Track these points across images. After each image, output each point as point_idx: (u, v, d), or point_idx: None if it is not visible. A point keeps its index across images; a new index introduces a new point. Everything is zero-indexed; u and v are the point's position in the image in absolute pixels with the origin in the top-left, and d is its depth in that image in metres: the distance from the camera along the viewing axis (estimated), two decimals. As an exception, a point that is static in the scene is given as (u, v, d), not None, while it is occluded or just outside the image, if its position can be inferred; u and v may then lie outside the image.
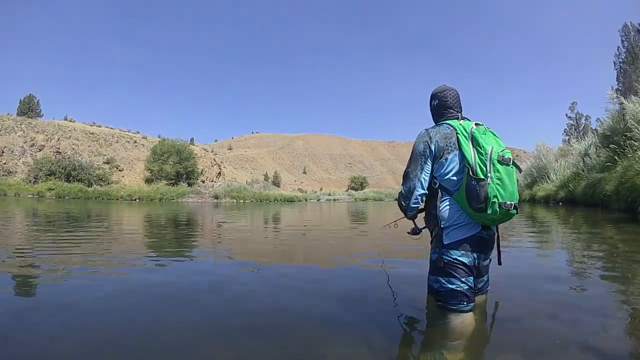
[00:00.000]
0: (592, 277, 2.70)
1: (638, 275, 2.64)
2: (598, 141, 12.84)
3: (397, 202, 1.77)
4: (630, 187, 7.64)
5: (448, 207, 1.58)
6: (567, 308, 1.89)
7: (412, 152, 1.68)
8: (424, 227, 1.84)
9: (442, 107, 1.74)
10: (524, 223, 6.90)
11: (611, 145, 10.40)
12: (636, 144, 9.08)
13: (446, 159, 1.57)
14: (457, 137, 1.56)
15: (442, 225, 1.58)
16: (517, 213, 1.54)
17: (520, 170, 1.72)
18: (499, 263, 1.71)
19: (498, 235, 1.66)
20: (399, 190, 1.72)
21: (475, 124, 1.60)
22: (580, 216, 8.49)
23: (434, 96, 1.78)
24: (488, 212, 1.47)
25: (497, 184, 1.47)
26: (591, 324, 1.66)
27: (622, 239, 4.56)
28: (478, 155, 1.51)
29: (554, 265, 3.16)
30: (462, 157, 1.54)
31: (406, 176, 1.68)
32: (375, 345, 1.45)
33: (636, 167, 7.85)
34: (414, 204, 1.66)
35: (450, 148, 1.57)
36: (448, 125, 1.63)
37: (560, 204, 14.00)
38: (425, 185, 1.63)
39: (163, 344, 1.48)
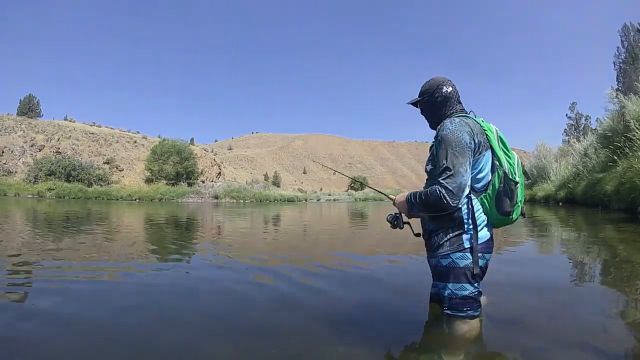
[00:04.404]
0: (592, 277, 2.70)
1: (638, 275, 2.64)
2: (598, 141, 12.85)
3: (428, 200, 1.44)
4: (630, 187, 7.64)
5: (478, 208, 1.49)
6: (567, 308, 1.89)
7: (453, 143, 1.41)
8: (417, 234, 1.68)
9: (452, 98, 1.60)
10: (524, 223, 6.90)
11: (611, 146, 10.41)
12: (636, 143, 9.09)
13: (483, 156, 1.47)
14: (487, 136, 1.50)
15: (468, 228, 1.46)
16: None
17: (528, 178, 1.71)
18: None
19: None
20: (443, 186, 1.38)
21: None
22: (580, 216, 8.49)
23: (447, 83, 1.61)
24: (512, 216, 1.48)
25: (520, 189, 1.50)
26: (591, 324, 1.66)
27: (622, 238, 4.56)
28: (507, 158, 1.48)
29: (554, 265, 3.16)
30: (494, 157, 1.49)
31: (453, 170, 1.38)
32: (375, 346, 1.45)
33: (636, 167, 7.85)
34: (461, 204, 1.42)
35: (485, 145, 1.48)
36: (474, 121, 1.53)
37: (560, 204, 13.99)
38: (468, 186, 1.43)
39: (163, 344, 1.48)
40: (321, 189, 68.66)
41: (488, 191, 1.48)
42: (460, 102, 1.64)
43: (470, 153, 1.43)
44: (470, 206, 1.47)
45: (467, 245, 1.45)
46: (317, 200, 36.24)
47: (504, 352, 1.41)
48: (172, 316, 1.81)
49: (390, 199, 1.72)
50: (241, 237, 5.71)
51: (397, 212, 1.67)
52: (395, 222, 1.66)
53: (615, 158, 9.69)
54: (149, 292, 2.26)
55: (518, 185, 1.48)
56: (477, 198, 1.49)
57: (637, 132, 9.36)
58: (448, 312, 1.49)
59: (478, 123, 1.53)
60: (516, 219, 1.54)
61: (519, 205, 1.49)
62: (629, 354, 1.39)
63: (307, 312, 1.89)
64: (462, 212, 1.47)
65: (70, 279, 2.57)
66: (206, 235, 5.91)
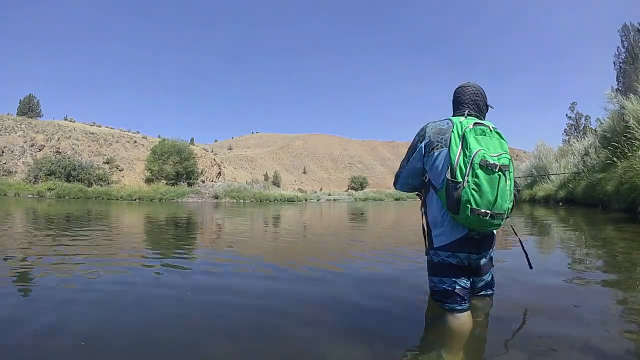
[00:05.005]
0: (592, 277, 2.70)
1: (638, 275, 2.64)
2: (598, 141, 12.84)
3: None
4: (630, 187, 7.62)
5: (434, 205, 1.57)
6: (567, 308, 1.89)
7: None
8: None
9: (456, 102, 1.73)
10: (524, 223, 6.90)
11: (611, 145, 10.39)
12: (636, 143, 9.08)
13: (432, 154, 1.56)
14: (451, 134, 1.50)
15: (430, 225, 1.59)
16: (500, 224, 1.44)
17: (516, 187, 1.57)
18: (530, 267, 1.78)
19: (520, 239, 1.78)
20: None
21: (475, 124, 1.49)
22: (580, 216, 8.49)
23: (454, 91, 1.79)
24: (461, 215, 1.42)
25: (473, 189, 1.38)
26: (591, 324, 1.66)
27: (622, 238, 4.56)
28: (463, 157, 1.42)
29: (554, 266, 3.15)
30: (448, 155, 1.49)
31: (400, 163, 1.78)
32: (375, 345, 1.45)
33: (636, 167, 7.84)
34: (399, 187, 1.83)
35: (440, 144, 1.54)
36: (448, 121, 1.60)
37: (560, 204, 13.98)
38: (407, 177, 1.74)
39: (163, 343, 1.48)
40: (321, 189, 68.58)
41: (443, 188, 1.50)
42: (463, 107, 1.68)
43: (411, 153, 1.68)
44: (426, 202, 1.64)
45: (434, 243, 1.57)
46: (317, 200, 36.23)
47: (504, 352, 1.41)
48: (171, 316, 1.81)
49: None
50: (241, 236, 5.71)
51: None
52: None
53: (615, 159, 9.68)
54: (147, 291, 2.26)
55: (464, 184, 1.39)
56: (436, 194, 1.57)
57: (637, 132, 9.35)
58: (437, 303, 1.59)
59: (451, 123, 1.56)
60: (481, 222, 1.40)
61: (465, 206, 1.39)
62: (629, 354, 1.39)
63: (307, 312, 1.89)
64: (426, 208, 1.63)
65: (69, 277, 2.57)
66: (206, 234, 5.92)
